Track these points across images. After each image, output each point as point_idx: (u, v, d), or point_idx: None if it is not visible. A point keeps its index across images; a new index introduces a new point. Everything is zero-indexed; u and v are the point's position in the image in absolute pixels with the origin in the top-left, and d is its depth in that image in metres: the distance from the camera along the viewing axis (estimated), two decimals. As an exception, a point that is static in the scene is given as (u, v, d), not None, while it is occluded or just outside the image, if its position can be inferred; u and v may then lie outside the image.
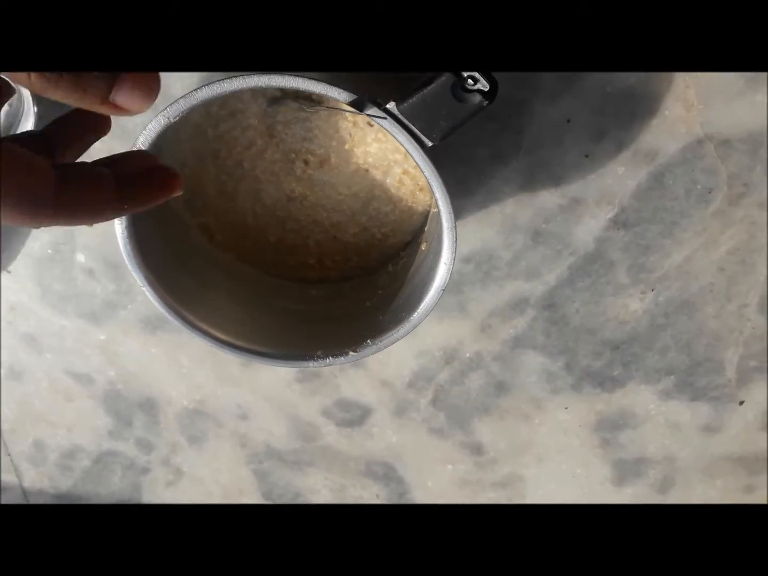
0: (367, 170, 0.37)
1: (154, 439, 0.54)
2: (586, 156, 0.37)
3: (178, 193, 0.23)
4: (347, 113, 0.36)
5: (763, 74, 0.34)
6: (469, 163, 0.38)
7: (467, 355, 0.46)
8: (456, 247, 0.31)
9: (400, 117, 0.28)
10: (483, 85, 0.26)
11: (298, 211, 0.39)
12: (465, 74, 0.26)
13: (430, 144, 0.28)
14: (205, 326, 0.36)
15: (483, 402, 0.48)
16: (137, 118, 0.40)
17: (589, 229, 0.39)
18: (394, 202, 0.38)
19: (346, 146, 0.37)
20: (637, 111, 0.36)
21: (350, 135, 0.36)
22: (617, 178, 0.38)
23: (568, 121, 0.36)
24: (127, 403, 0.53)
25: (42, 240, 0.46)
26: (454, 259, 0.32)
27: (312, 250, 0.41)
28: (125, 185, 0.21)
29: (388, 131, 0.28)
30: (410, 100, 0.27)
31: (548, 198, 0.39)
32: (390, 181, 0.38)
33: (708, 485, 0.50)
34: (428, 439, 0.50)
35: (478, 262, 0.42)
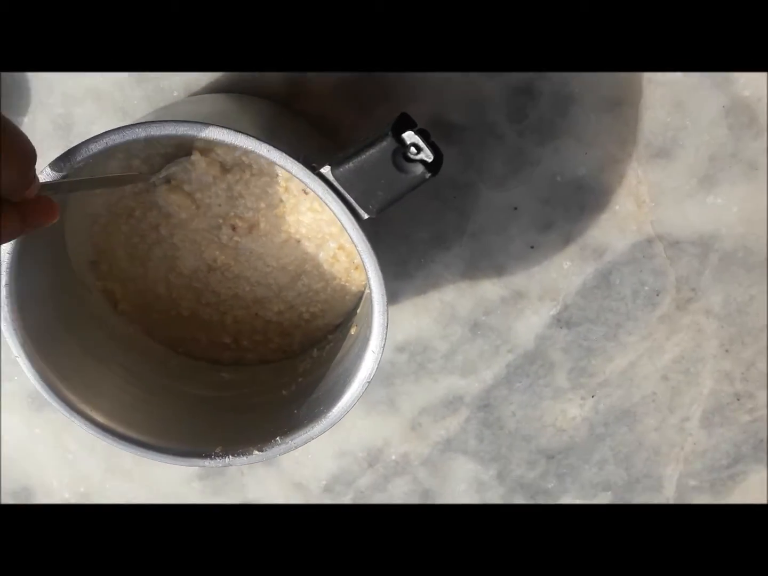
0: (299, 241, 0.34)
1: (25, 537, 0.47)
2: (532, 247, 0.35)
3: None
4: (279, 178, 0.33)
5: (715, 175, 0.33)
6: (410, 243, 0.35)
7: (393, 457, 0.41)
8: (386, 333, 0.28)
9: (335, 183, 0.25)
10: (426, 155, 0.23)
11: (218, 284, 0.35)
12: (408, 141, 0.23)
13: (366, 216, 0.25)
14: (87, 409, 0.31)
15: (408, 510, 0.43)
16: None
17: (530, 325, 0.37)
18: (327, 279, 0.35)
19: (277, 212, 0.33)
20: (587, 204, 0.34)
21: (282, 201, 0.33)
22: (562, 273, 0.35)
23: (515, 208, 0.34)
24: (-2, 492, 0.46)
25: None
26: (383, 347, 0.28)
27: (229, 327, 0.37)
28: None
29: (321, 199, 0.25)
30: (347, 166, 0.24)
31: (490, 288, 0.36)
32: (323, 256, 0.34)
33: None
34: (344, 549, 0.45)
35: (412, 352, 0.38)
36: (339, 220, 0.26)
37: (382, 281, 0.26)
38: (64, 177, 0.26)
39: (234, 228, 0.34)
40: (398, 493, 0.42)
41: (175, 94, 0.34)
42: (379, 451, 0.41)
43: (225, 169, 0.32)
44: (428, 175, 0.24)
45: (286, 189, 0.33)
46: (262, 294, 0.36)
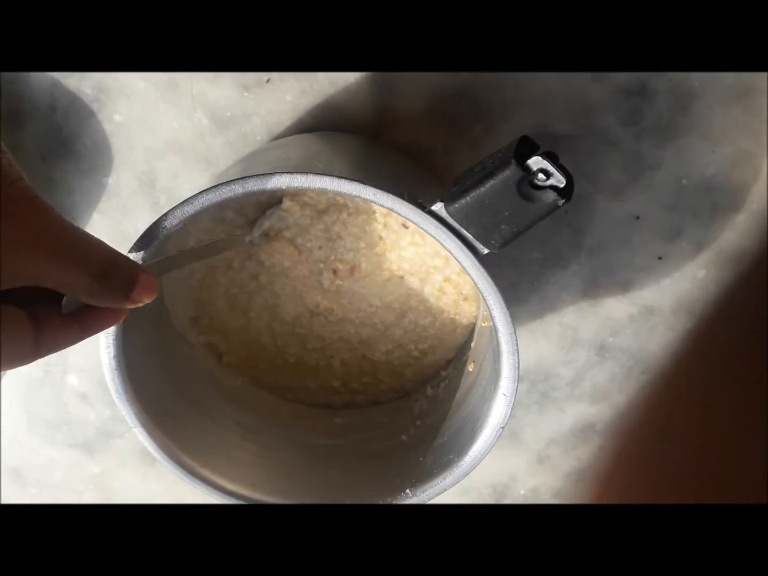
0: (402, 277, 0.32)
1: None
2: (660, 258, 0.31)
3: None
4: (377, 215, 0.31)
5: None
6: (519, 265, 0.33)
7: (522, 491, 0.38)
8: (519, 374, 0.25)
9: (450, 221, 0.23)
10: (557, 180, 0.21)
11: (322, 328, 0.34)
12: (534, 168, 0.21)
13: (485, 251, 0.23)
14: (207, 473, 0.30)
15: (539, 545, 0.40)
16: (138, 223, 0.35)
17: (665, 343, 0.33)
18: (434, 313, 0.33)
19: (377, 250, 0.31)
20: (719, 205, 0.30)
21: (381, 237, 0.31)
22: (697, 283, 0.32)
23: (637, 218, 0.31)
24: (122, 546, 0.46)
25: (30, 362, 0.41)
26: (516, 390, 0.26)
27: (337, 371, 0.35)
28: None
29: (435, 238, 0.23)
30: (463, 200, 0.22)
31: (615, 306, 0.33)
32: (429, 290, 0.32)
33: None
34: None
35: (532, 381, 0.35)
36: (456, 259, 0.24)
37: (509, 320, 0.24)
38: (159, 244, 0.25)
39: (335, 272, 0.33)
40: (528, 528, 0.40)
41: (258, 138, 0.33)
42: (505, 487, 0.38)
43: (319, 210, 0.31)
44: (561, 201, 0.21)
45: (385, 225, 0.31)
46: (368, 335, 0.34)
